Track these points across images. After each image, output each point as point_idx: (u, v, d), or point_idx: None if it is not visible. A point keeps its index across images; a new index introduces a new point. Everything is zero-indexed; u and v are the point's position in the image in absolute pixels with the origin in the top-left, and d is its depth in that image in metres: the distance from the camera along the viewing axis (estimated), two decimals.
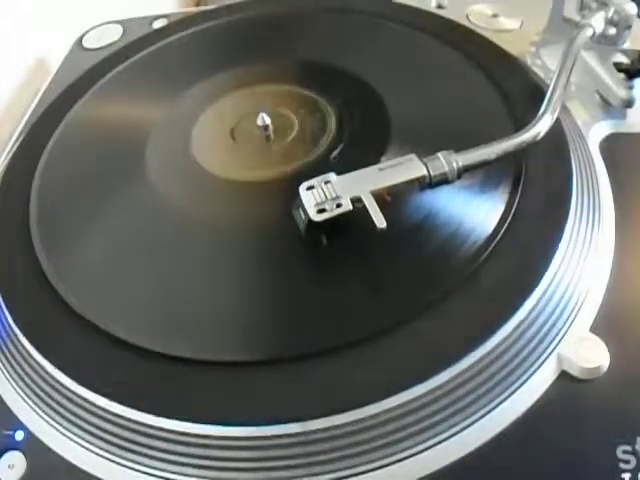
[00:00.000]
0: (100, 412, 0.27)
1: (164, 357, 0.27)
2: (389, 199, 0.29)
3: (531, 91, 0.36)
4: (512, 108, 0.35)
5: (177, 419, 0.25)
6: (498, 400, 0.26)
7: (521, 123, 0.32)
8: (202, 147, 0.37)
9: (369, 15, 0.44)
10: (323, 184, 0.29)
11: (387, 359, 0.26)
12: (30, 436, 0.28)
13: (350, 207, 0.28)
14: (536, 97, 0.34)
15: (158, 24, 0.49)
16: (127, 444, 0.26)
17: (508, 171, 0.32)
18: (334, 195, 0.29)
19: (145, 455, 0.26)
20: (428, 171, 0.29)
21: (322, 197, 0.29)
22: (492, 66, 0.38)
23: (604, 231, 0.31)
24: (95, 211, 0.35)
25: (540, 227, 0.30)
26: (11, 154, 0.40)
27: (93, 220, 0.34)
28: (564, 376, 0.27)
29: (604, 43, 0.39)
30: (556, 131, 0.33)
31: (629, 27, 0.39)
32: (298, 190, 0.29)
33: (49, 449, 0.27)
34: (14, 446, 0.27)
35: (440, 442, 0.25)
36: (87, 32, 0.51)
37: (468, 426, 0.25)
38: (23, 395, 0.29)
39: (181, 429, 0.25)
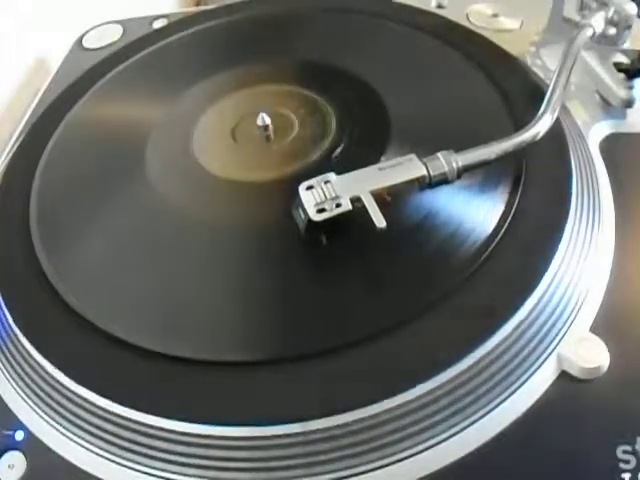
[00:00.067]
0: (100, 412, 0.27)
1: (164, 357, 0.27)
2: (389, 199, 0.29)
3: (531, 91, 0.36)
4: (512, 108, 0.35)
5: (177, 419, 0.25)
6: (498, 400, 0.26)
7: (521, 123, 0.32)
8: (202, 147, 0.37)
9: (369, 15, 0.44)
10: (323, 184, 0.29)
11: (387, 359, 0.26)
12: (30, 436, 0.28)
13: (350, 207, 0.28)
14: (536, 97, 0.34)
15: (158, 24, 0.49)
16: (127, 444, 0.26)
17: (508, 171, 0.32)
18: (334, 195, 0.29)
19: (145, 455, 0.26)
20: (428, 171, 0.29)
21: (322, 197, 0.29)
22: (492, 66, 0.38)
23: (604, 231, 0.31)
24: (95, 211, 0.35)
25: (540, 227, 0.30)
26: (11, 154, 0.40)
27: (93, 220, 0.34)
28: (564, 376, 0.27)
29: (604, 43, 0.39)
30: (556, 131, 0.33)
31: (629, 27, 0.39)
32: (298, 190, 0.29)
33: (49, 449, 0.27)
34: (14, 446, 0.27)
35: (440, 442, 0.25)
36: (87, 32, 0.51)
37: (468, 426, 0.25)
38: (23, 395, 0.29)
39: (181, 429, 0.25)
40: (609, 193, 0.33)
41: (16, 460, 0.27)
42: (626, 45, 0.39)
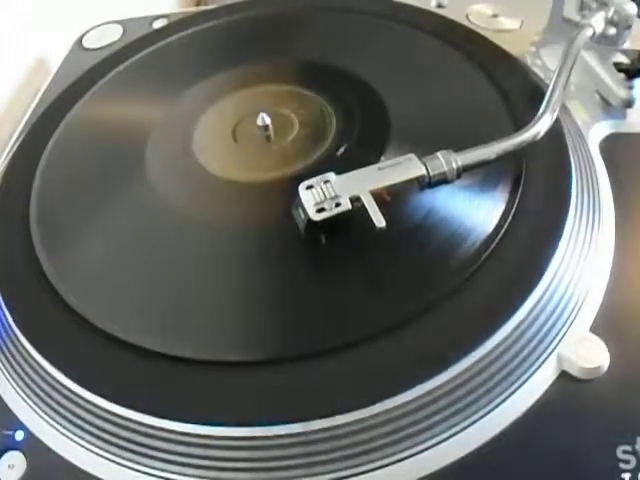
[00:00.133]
0: (100, 412, 0.27)
1: (164, 357, 0.27)
2: (388, 199, 0.29)
3: (531, 91, 0.36)
4: (512, 108, 0.35)
5: (177, 419, 0.25)
6: (498, 400, 0.26)
7: (521, 123, 0.32)
8: (202, 147, 0.37)
9: (369, 15, 0.44)
10: (322, 183, 0.29)
11: (387, 359, 0.26)
12: (30, 436, 0.28)
13: (349, 206, 0.28)
14: (536, 97, 0.34)
15: (158, 24, 0.49)
16: (127, 444, 0.26)
17: (508, 171, 0.32)
18: (333, 194, 0.29)
19: (145, 455, 0.26)
20: (427, 171, 0.29)
21: (321, 196, 0.29)
22: (492, 66, 0.38)
23: (604, 231, 0.31)
24: (95, 211, 0.35)
25: (540, 227, 0.30)
26: (11, 154, 0.40)
27: (93, 220, 0.34)
28: (564, 376, 0.27)
29: (604, 43, 0.39)
30: (556, 131, 0.33)
31: (629, 27, 0.39)
32: (297, 190, 0.29)
33: (49, 449, 0.27)
34: (14, 446, 0.27)
35: (440, 442, 0.25)
36: (87, 32, 0.51)
37: (468, 426, 0.25)
38: (23, 395, 0.29)
39: (181, 429, 0.25)
40: (609, 193, 0.33)
41: (16, 460, 0.27)
42: (626, 45, 0.39)
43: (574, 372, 0.26)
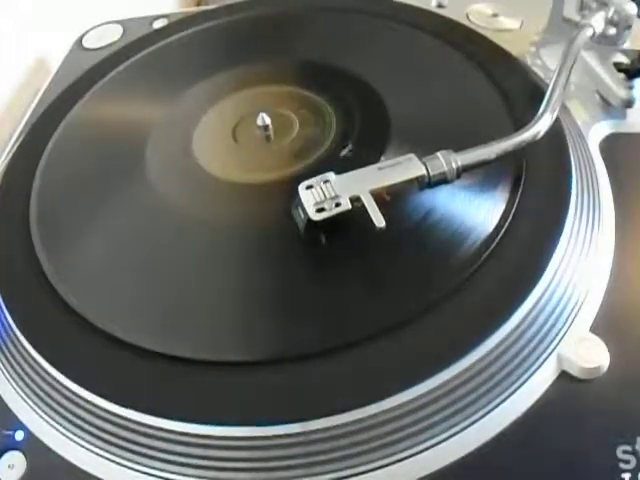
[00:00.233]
0: (100, 412, 0.27)
1: (164, 357, 0.27)
2: (388, 198, 0.29)
3: (531, 91, 0.36)
4: (512, 108, 0.35)
5: (177, 419, 0.25)
6: (498, 400, 0.26)
7: (521, 123, 0.32)
8: (202, 147, 0.37)
9: (369, 15, 0.44)
10: (322, 183, 0.29)
11: (387, 359, 0.26)
12: (30, 436, 0.28)
13: (349, 206, 0.28)
14: (536, 97, 0.34)
15: (158, 24, 0.49)
16: (127, 444, 0.26)
17: (508, 171, 0.32)
18: (333, 194, 0.29)
19: (145, 455, 0.26)
20: (427, 171, 0.29)
21: (321, 196, 0.29)
22: (492, 66, 0.38)
23: (604, 231, 0.31)
24: (95, 211, 0.35)
25: (540, 227, 0.30)
26: (11, 154, 0.40)
27: (93, 220, 0.34)
28: (564, 376, 0.27)
29: (604, 43, 0.39)
30: (556, 131, 0.33)
31: (629, 27, 0.39)
32: (297, 189, 0.29)
33: (49, 449, 0.27)
34: (14, 446, 0.27)
35: (440, 442, 0.25)
36: (87, 32, 0.51)
37: (468, 426, 0.25)
38: (23, 395, 0.29)
39: (181, 429, 0.25)
40: (609, 193, 0.33)
41: (16, 460, 0.27)
42: (626, 45, 0.39)
43: (574, 372, 0.26)
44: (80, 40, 0.51)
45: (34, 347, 0.29)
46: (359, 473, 0.25)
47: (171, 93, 0.41)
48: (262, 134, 0.36)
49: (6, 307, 0.31)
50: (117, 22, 0.51)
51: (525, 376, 0.26)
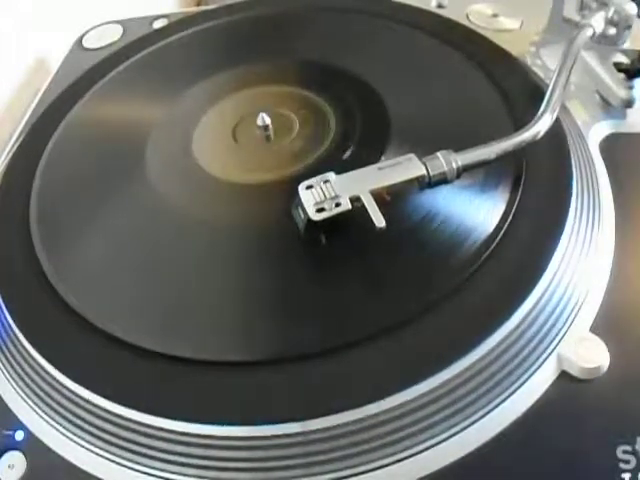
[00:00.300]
0: (100, 412, 0.27)
1: (164, 357, 0.27)
2: (388, 198, 0.29)
3: (531, 91, 0.36)
4: (512, 108, 0.35)
5: (177, 419, 0.25)
6: (498, 400, 0.26)
7: (521, 123, 0.32)
8: (202, 147, 0.37)
9: (369, 15, 0.44)
10: (322, 183, 0.29)
11: (387, 359, 0.26)
12: (30, 436, 0.28)
13: (349, 206, 0.28)
14: (536, 97, 0.34)
15: (158, 24, 0.49)
16: (127, 444, 0.26)
17: (508, 171, 0.32)
18: (333, 194, 0.29)
19: (145, 455, 0.26)
20: (427, 171, 0.29)
21: (321, 196, 0.29)
22: (492, 66, 0.38)
23: (604, 231, 0.31)
24: (95, 211, 0.35)
25: (540, 227, 0.30)
26: (11, 154, 0.40)
27: (93, 220, 0.34)
28: (564, 376, 0.27)
29: (604, 43, 0.39)
30: (556, 131, 0.33)
31: (629, 27, 0.39)
32: (297, 189, 0.29)
33: (49, 449, 0.27)
34: (14, 446, 0.27)
35: (440, 442, 0.25)
36: (87, 32, 0.51)
37: (468, 426, 0.25)
38: (23, 395, 0.29)
39: (181, 429, 0.25)
40: (609, 193, 0.33)
41: (16, 460, 0.27)
42: (626, 45, 0.39)
43: (574, 372, 0.26)
44: (80, 40, 0.51)
45: (34, 347, 0.29)
46: (359, 473, 0.25)
47: (171, 93, 0.41)
48: (262, 134, 0.36)
49: (6, 307, 0.31)
50: (117, 22, 0.51)
51: (525, 376, 0.26)
